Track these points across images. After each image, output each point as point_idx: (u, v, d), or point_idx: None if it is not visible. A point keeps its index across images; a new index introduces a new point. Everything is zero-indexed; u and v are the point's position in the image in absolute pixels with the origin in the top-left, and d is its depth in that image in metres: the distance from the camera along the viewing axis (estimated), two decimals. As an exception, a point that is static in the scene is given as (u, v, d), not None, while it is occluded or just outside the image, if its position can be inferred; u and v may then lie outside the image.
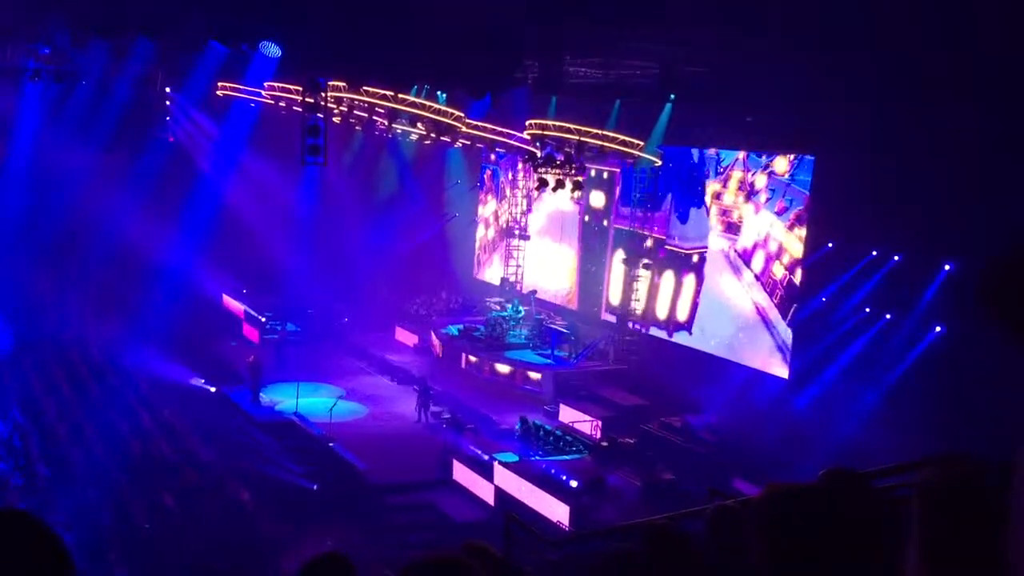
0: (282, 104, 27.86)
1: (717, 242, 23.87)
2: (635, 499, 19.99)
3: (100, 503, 17.89)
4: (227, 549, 16.83)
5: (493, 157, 30.39)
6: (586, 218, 27.83)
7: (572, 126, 24.21)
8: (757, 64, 19.25)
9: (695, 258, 23.67)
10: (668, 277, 24.96)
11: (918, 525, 1.82)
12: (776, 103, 20.94)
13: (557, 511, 18.85)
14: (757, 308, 22.76)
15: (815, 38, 15.71)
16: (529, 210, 31.54)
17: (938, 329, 18.92)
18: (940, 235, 17.71)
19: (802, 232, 22.05)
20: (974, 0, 11.72)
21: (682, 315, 24.34)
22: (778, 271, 22.39)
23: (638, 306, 25.88)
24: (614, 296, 26.78)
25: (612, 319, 27.94)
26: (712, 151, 24.56)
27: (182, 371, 26.67)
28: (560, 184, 25.25)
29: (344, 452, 22.04)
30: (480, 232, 34.99)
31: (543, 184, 25.43)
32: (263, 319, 31.72)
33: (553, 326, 28.87)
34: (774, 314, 22.42)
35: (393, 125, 25.96)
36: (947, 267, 18.68)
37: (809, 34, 15.56)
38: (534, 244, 31.28)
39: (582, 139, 24.06)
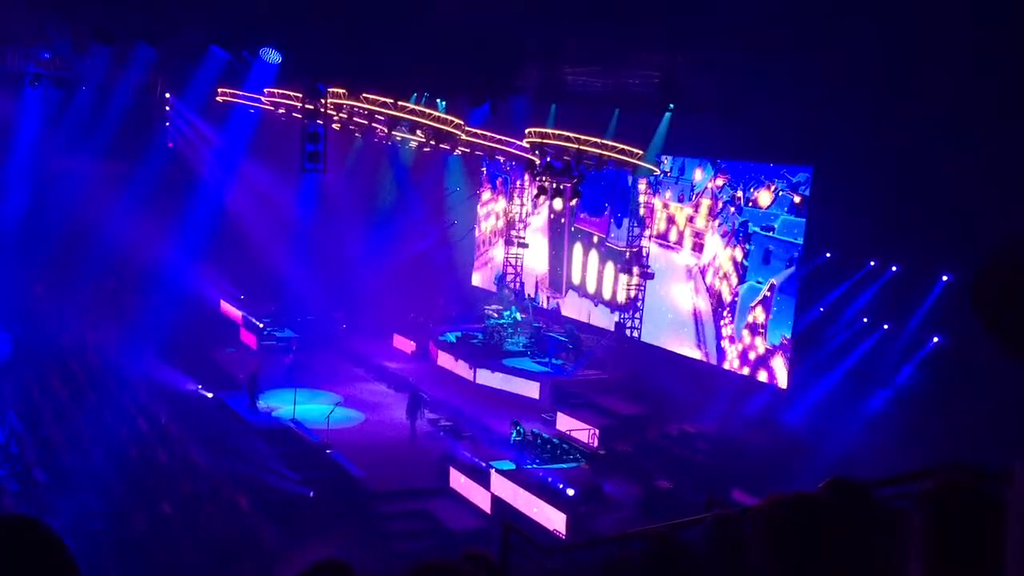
0: (282, 111, 27.86)
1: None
2: (632, 508, 19.98)
3: (97, 509, 17.85)
4: (224, 556, 16.80)
5: (504, 163, 30.68)
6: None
7: (571, 134, 24.23)
8: (757, 75, 19.30)
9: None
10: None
11: (919, 534, 1.82)
12: (775, 114, 20.99)
13: (554, 519, 18.83)
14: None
15: (813, 49, 15.75)
16: (533, 211, 31.93)
17: (936, 339, 18.94)
18: (938, 246, 17.74)
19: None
20: (974, 10, 11.73)
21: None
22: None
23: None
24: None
25: (610, 327, 28.02)
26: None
27: (180, 377, 26.65)
28: (558, 192, 25.30)
29: (341, 459, 22.02)
30: (485, 226, 35.01)
31: (542, 192, 25.49)
32: (261, 325, 31.72)
33: (551, 334, 28.87)
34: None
35: (393, 132, 26.02)
36: (945, 278, 18.71)
37: (808, 49, 15.61)
38: (528, 238, 32.09)
39: (581, 147, 24.07)
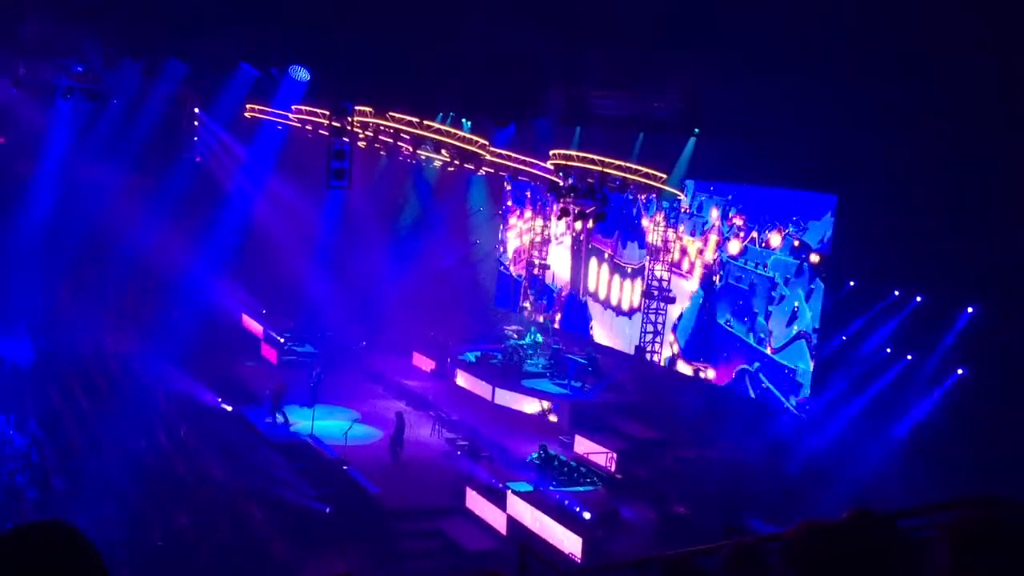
0: (309, 127, 28.07)
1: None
2: (649, 533, 19.83)
3: (114, 518, 17.92)
4: (238, 569, 16.79)
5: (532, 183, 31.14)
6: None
7: (595, 157, 24.28)
8: (782, 100, 19.27)
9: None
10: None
11: (944, 567, 1.79)
12: (800, 140, 20.91)
13: (569, 543, 18.70)
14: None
15: (838, 74, 15.73)
16: (559, 238, 32.29)
17: (960, 372, 18.74)
18: (964, 276, 17.59)
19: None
20: (1003, 33, 11.66)
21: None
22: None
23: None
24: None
25: (630, 350, 27.98)
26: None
27: (200, 389, 26.77)
28: (581, 215, 25.34)
29: (358, 476, 22.00)
30: (510, 247, 35.24)
31: (565, 214, 25.55)
32: (282, 340, 31.84)
33: (571, 356, 28.81)
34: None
35: (418, 151, 26.12)
36: (970, 309, 18.53)
37: (832, 71, 15.58)
38: (553, 252, 32.72)
39: (605, 170, 24.13)
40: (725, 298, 25.47)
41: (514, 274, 34.62)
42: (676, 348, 27.13)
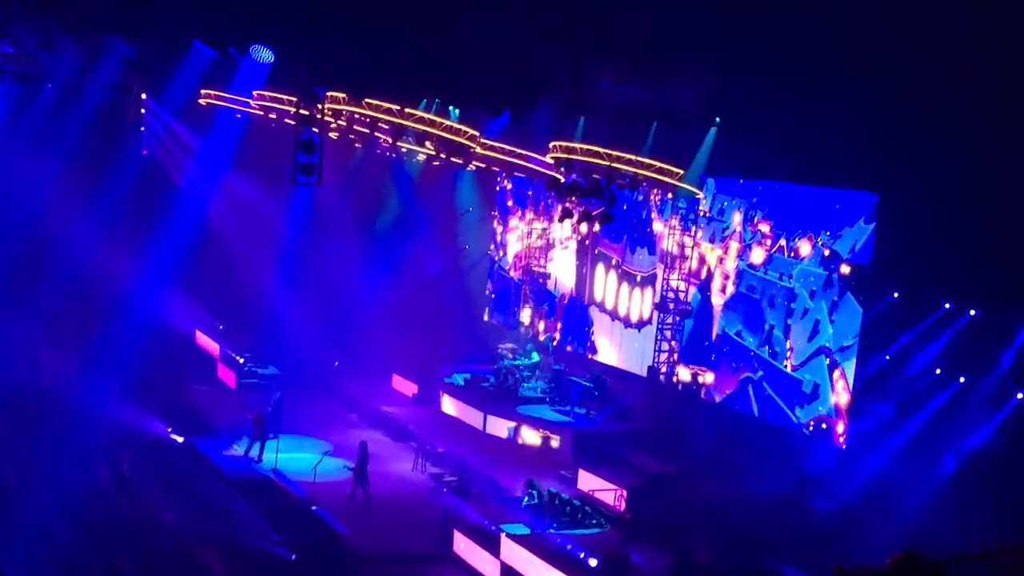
0: (273, 116, 28.09)
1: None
2: (663, 582, 19.82)
3: (47, 564, 17.82)
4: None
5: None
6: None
7: (602, 150, 24.33)
8: (815, 89, 19.34)
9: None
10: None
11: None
12: (836, 131, 20.94)
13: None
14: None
15: (880, 59, 15.79)
16: (562, 243, 32.33)
17: (1021, 396, 18.75)
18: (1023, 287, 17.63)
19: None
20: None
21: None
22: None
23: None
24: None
25: (641, 372, 28.00)
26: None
27: (147, 417, 26.63)
28: (586, 216, 25.39)
29: (328, 517, 21.91)
30: (512, 242, 35.37)
31: (567, 215, 25.58)
32: (241, 360, 31.77)
33: (574, 379, 28.82)
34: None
35: (398, 143, 26.17)
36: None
37: (873, 56, 15.64)
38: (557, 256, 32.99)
39: (613, 165, 24.18)
40: (736, 308, 25.81)
41: (515, 279, 34.75)
42: (675, 354, 27.81)
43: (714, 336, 26.50)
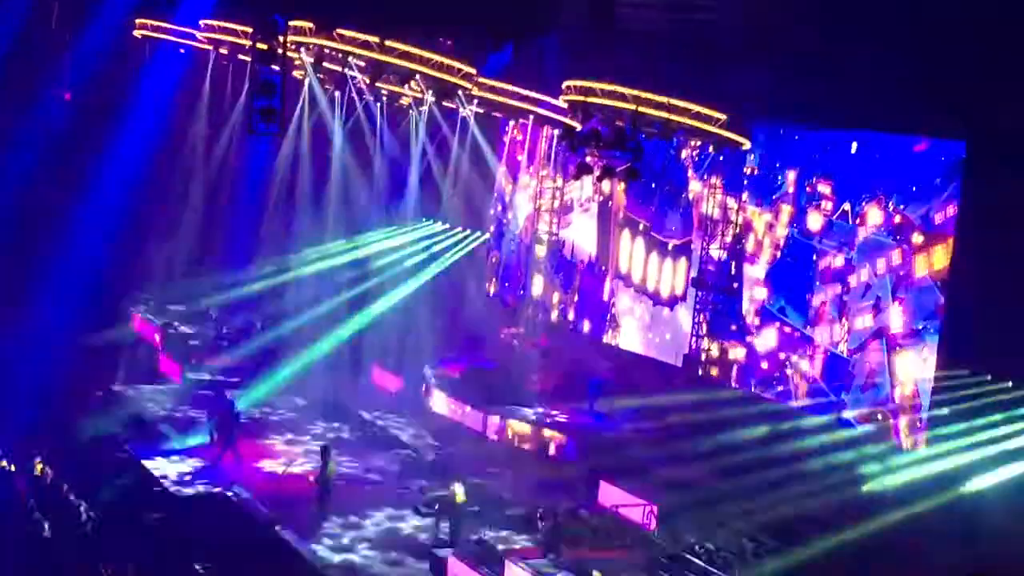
0: (224, 51, 27.88)
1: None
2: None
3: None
4: None
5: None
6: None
7: (627, 91, 24.11)
8: (884, 13, 19.13)
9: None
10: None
11: None
12: (913, 65, 20.70)
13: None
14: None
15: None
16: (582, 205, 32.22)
17: None
18: None
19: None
20: None
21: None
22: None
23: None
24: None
25: (673, 360, 28.04)
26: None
27: (72, 414, 26.52)
28: (607, 172, 25.19)
29: (295, 537, 21.83)
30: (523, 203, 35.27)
31: (584, 171, 25.36)
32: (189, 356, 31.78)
33: (593, 370, 28.81)
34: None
35: (377, 84, 25.93)
36: None
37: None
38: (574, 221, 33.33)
39: (640, 110, 23.97)
40: (781, 281, 26.04)
41: (526, 245, 34.83)
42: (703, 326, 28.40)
43: (753, 312, 26.49)
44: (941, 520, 19.76)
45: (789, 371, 25.69)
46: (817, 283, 25.06)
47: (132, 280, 34.33)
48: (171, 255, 34.60)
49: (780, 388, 26.07)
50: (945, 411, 21.70)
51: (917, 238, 22.74)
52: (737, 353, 26.72)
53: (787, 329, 25.90)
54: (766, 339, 26.53)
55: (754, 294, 26.95)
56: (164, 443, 26.02)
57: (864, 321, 23.87)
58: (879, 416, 23.31)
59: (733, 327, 27.44)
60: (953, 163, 22.11)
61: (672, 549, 21.50)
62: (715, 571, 20.18)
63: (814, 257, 25.27)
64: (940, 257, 22.33)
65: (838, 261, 24.63)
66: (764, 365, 26.54)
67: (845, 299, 24.31)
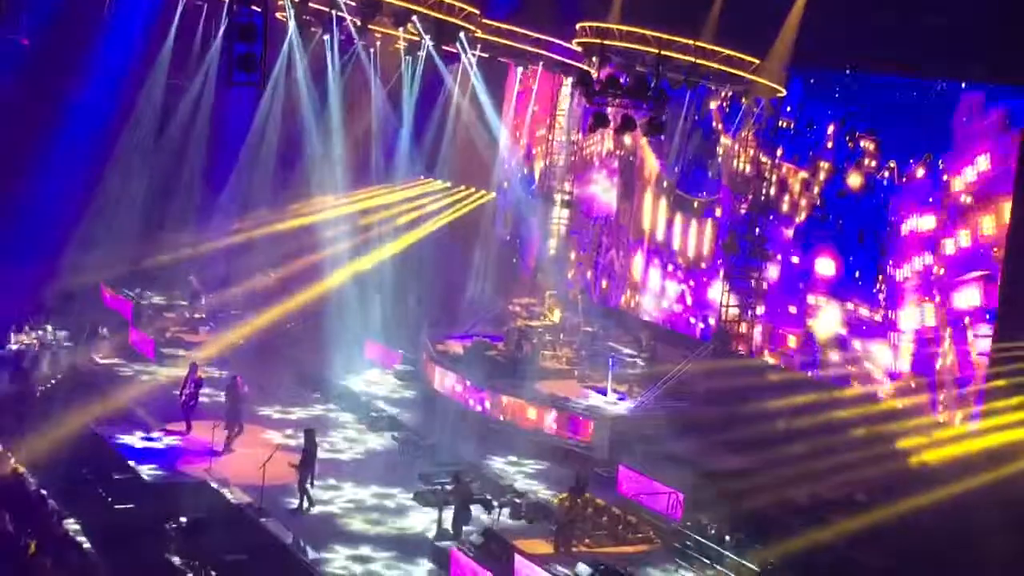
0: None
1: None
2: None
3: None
4: None
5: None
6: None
7: (648, 32, 24.10)
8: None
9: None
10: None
11: None
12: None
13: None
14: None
15: None
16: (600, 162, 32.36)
17: None
18: None
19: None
20: None
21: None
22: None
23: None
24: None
25: (703, 333, 28.18)
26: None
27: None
28: (627, 123, 25.16)
29: (282, 528, 21.96)
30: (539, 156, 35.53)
31: (600, 123, 25.34)
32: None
33: (613, 345, 28.84)
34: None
35: (370, 26, 25.91)
36: None
37: None
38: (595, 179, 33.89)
39: (663, 53, 23.94)
40: (816, 243, 26.80)
41: (542, 203, 35.00)
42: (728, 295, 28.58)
43: (781, 276, 26.86)
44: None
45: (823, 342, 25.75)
46: (858, 246, 25.50)
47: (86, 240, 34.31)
48: (130, 214, 34.63)
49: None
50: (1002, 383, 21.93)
51: (965, 198, 22.74)
52: (790, 342, 26.84)
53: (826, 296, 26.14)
54: (801, 307, 26.74)
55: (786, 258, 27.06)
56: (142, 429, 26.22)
57: (909, 289, 24.37)
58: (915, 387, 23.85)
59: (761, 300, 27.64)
60: (1012, 115, 22.04)
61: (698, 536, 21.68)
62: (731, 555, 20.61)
63: (854, 218, 25.50)
64: (989, 222, 22.55)
65: (881, 223, 24.84)
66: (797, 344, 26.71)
67: (888, 265, 24.71)
